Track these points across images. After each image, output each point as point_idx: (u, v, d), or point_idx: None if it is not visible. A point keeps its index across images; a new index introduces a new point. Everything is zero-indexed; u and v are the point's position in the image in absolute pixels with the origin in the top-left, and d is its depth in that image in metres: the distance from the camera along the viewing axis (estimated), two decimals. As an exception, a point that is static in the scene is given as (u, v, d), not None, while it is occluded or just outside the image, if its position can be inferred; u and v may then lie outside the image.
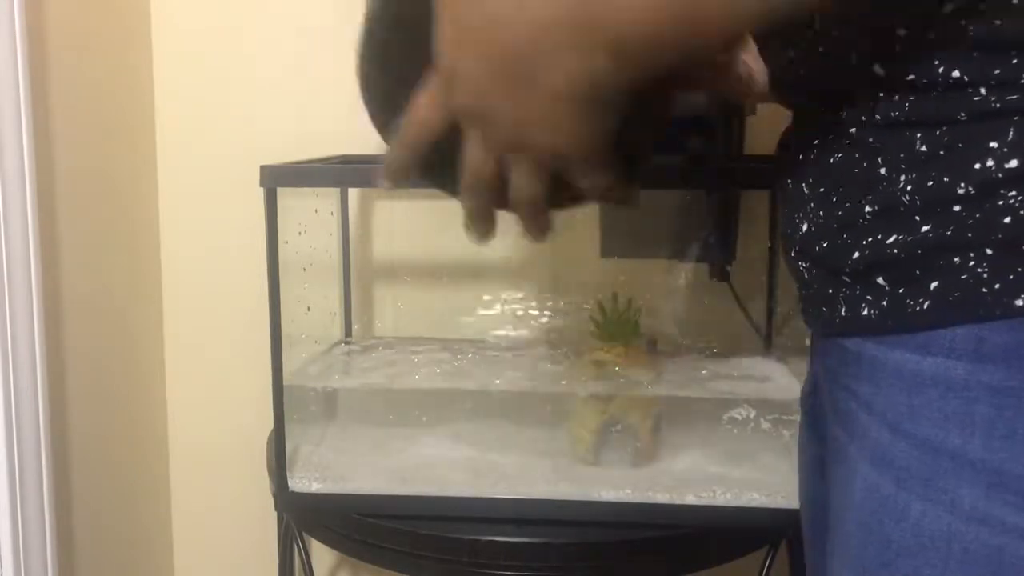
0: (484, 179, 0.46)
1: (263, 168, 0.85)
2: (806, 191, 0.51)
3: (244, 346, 1.17)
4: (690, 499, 0.87)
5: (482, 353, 1.07)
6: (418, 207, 1.18)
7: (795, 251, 0.53)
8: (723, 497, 0.87)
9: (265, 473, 0.98)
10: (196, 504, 1.30)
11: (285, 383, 0.89)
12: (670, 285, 1.13)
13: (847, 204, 0.47)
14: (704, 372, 1.01)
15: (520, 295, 1.15)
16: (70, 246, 1.05)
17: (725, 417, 0.98)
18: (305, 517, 0.96)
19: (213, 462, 1.28)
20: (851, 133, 0.47)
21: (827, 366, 0.53)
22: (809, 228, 0.50)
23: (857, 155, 0.47)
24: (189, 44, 1.20)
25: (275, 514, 0.99)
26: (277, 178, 0.85)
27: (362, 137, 1.16)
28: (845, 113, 0.47)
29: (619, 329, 0.97)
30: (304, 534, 0.98)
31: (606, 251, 1.12)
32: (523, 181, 0.46)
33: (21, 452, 0.95)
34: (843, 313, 0.48)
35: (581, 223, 1.12)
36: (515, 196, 0.46)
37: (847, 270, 0.47)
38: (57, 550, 1.01)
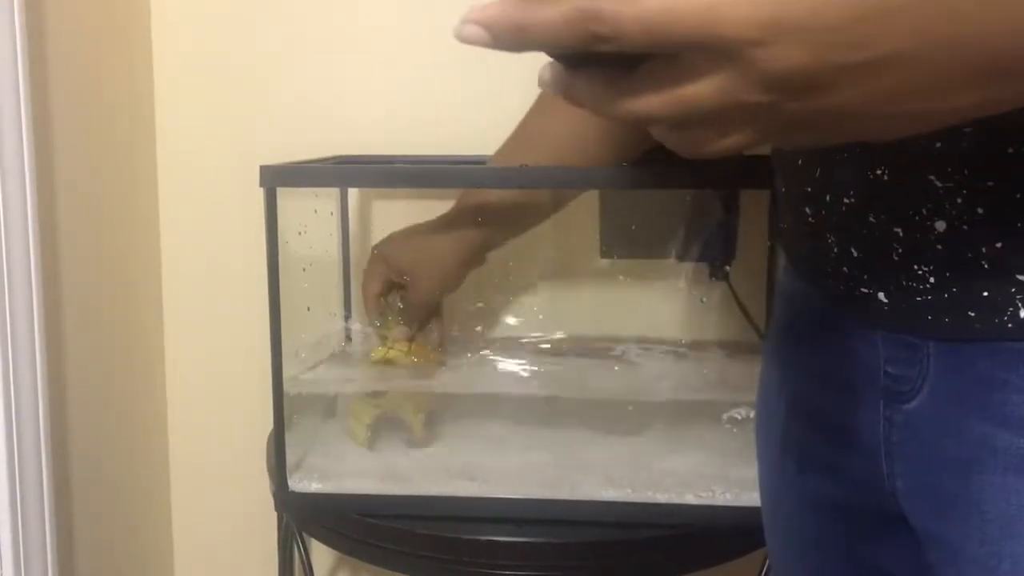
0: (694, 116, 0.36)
1: (263, 168, 0.85)
2: (939, 185, 0.47)
3: (244, 346, 1.17)
4: (690, 499, 0.88)
5: (482, 353, 1.07)
6: (418, 207, 1.18)
7: (904, 252, 0.50)
8: (723, 497, 0.88)
9: (265, 473, 0.98)
10: (196, 504, 1.30)
11: (285, 383, 0.89)
12: (670, 285, 1.13)
13: None
14: (704, 372, 1.01)
15: (520, 295, 1.15)
16: (70, 246, 1.05)
17: (725, 417, 0.98)
18: (305, 517, 0.96)
19: (213, 462, 1.28)
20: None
21: (959, 376, 0.49)
22: (957, 226, 0.47)
23: None
24: (189, 44, 1.20)
25: (275, 514, 0.99)
26: (277, 178, 0.85)
27: (362, 137, 1.17)
28: None
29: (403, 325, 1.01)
30: (304, 534, 0.98)
31: (606, 251, 1.12)
32: (727, 143, 0.38)
33: (21, 452, 0.95)
34: (1022, 316, 0.46)
35: (581, 223, 1.12)
36: (710, 147, 0.38)
37: None
38: (57, 550, 1.01)
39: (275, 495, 0.92)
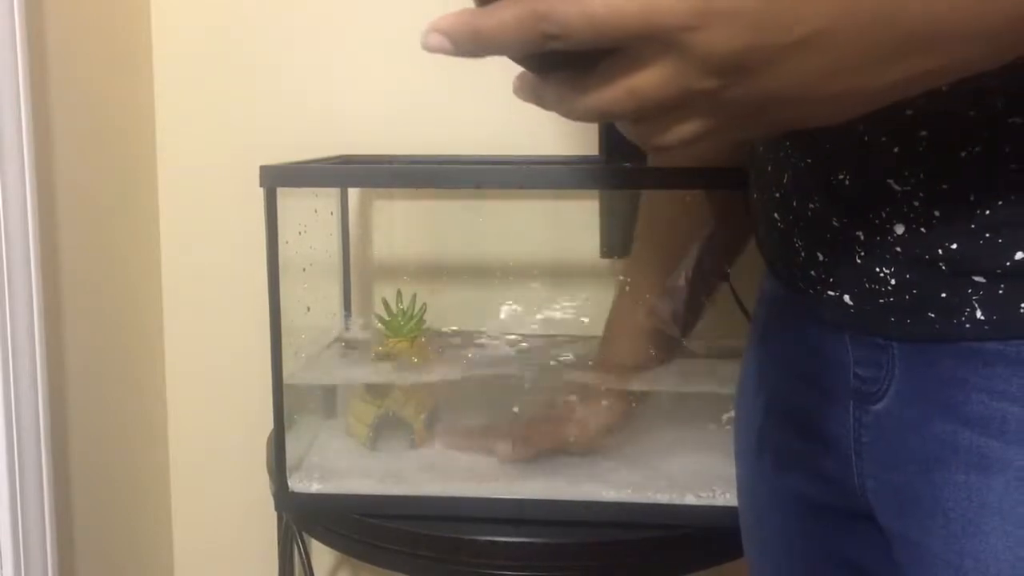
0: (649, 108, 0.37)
1: (263, 168, 0.85)
2: (897, 188, 0.48)
3: (244, 346, 1.17)
4: (690, 499, 0.87)
5: (483, 353, 1.07)
6: (418, 207, 1.18)
7: (866, 255, 0.51)
8: (723, 497, 0.87)
9: (265, 473, 0.98)
10: (196, 504, 1.30)
11: (285, 383, 0.89)
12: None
13: (999, 203, 0.45)
14: (704, 372, 1.01)
15: (520, 295, 1.15)
16: (70, 246, 1.05)
17: (725, 417, 0.97)
18: (305, 517, 0.96)
19: (213, 462, 1.28)
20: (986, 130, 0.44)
21: (923, 376, 0.50)
22: (915, 228, 0.48)
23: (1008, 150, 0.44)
24: (189, 44, 1.20)
25: (275, 514, 0.99)
26: (277, 178, 0.85)
27: (362, 137, 1.17)
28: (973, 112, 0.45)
29: (404, 325, 1.01)
30: (304, 534, 0.98)
31: (606, 251, 1.12)
32: (683, 133, 0.38)
33: (21, 452, 0.95)
34: (979, 316, 0.46)
35: (581, 223, 1.12)
36: (663, 139, 0.39)
37: (998, 271, 0.45)
38: (57, 550, 1.01)
39: (275, 495, 0.92)
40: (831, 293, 0.53)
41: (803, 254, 0.55)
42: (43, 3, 0.98)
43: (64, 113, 1.03)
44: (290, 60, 1.19)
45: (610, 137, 1.03)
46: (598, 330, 1.09)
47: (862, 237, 0.50)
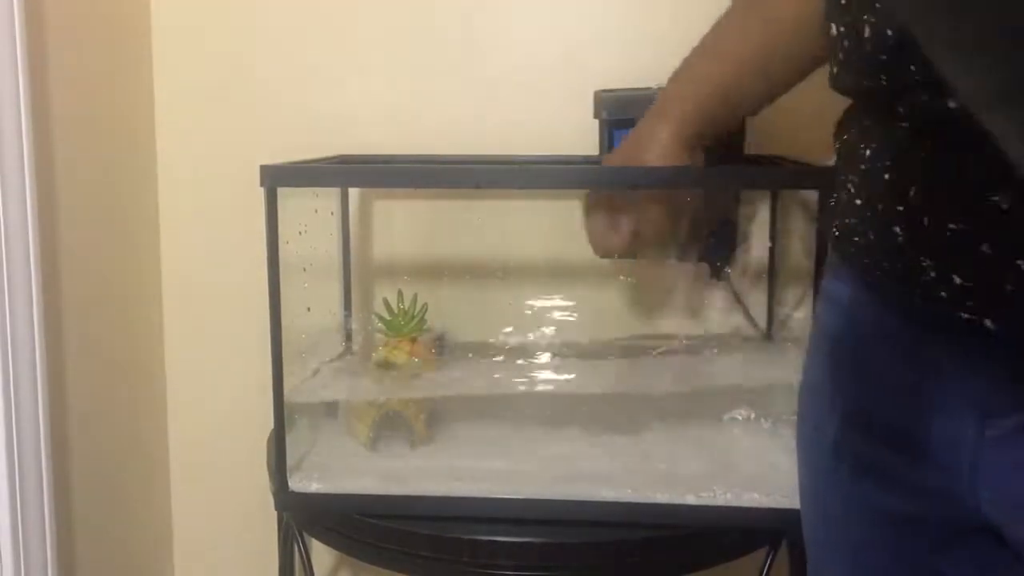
0: None
1: (263, 168, 0.85)
2: None
3: (244, 346, 1.17)
4: (690, 499, 0.87)
5: (482, 353, 1.07)
6: (418, 207, 1.18)
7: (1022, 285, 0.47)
8: (723, 497, 0.87)
9: (265, 473, 0.98)
10: (196, 504, 1.30)
11: (285, 383, 0.89)
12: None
13: None
14: (704, 372, 1.01)
15: (519, 295, 1.15)
16: (70, 246, 1.05)
17: (725, 417, 0.98)
18: (305, 517, 0.96)
19: (213, 462, 1.28)
20: None
21: None
22: None
23: None
24: (189, 44, 1.20)
25: (275, 514, 0.99)
26: (277, 178, 0.85)
27: (362, 137, 1.17)
28: None
29: (405, 325, 1.01)
30: (304, 534, 0.98)
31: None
32: None
33: (21, 452, 0.95)
34: None
35: (581, 223, 1.12)
36: None
37: None
38: (57, 550, 1.01)
39: (275, 495, 0.92)
40: (966, 316, 0.51)
41: (933, 274, 0.52)
42: (43, 2, 0.98)
43: (64, 112, 1.03)
44: (290, 60, 1.19)
45: (610, 137, 1.03)
46: (599, 330, 1.09)
47: (1023, 267, 0.47)
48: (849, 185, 0.59)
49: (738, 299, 1.09)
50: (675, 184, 0.86)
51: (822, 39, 0.61)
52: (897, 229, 0.53)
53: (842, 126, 0.63)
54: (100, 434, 1.13)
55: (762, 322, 1.10)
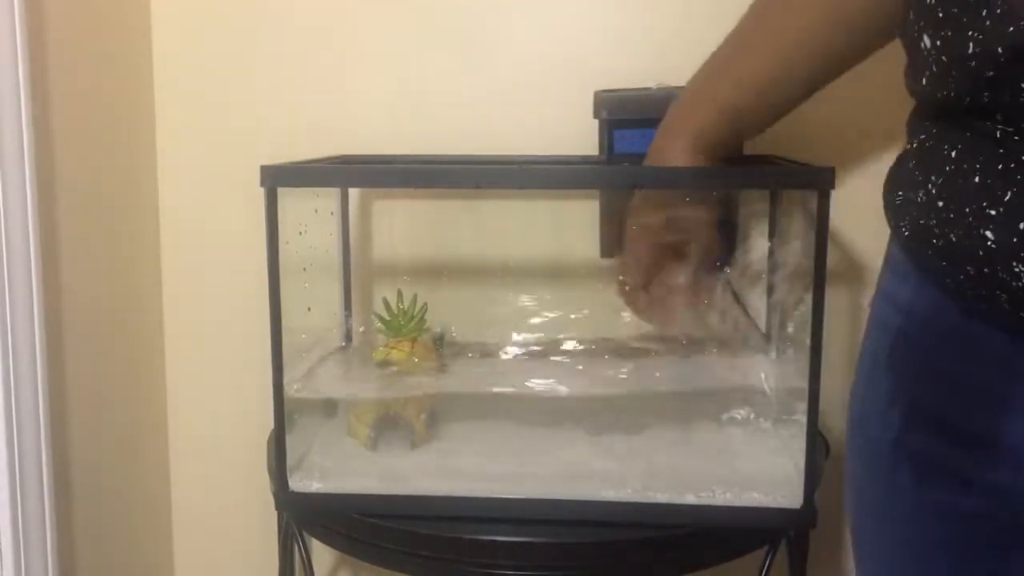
0: None
1: (263, 168, 0.85)
2: None
3: (244, 346, 1.17)
4: (690, 499, 0.87)
5: (482, 353, 1.07)
6: (418, 207, 1.18)
7: None
8: (723, 497, 0.87)
9: (265, 473, 0.99)
10: (196, 504, 1.30)
11: (285, 383, 0.89)
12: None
13: None
14: (704, 372, 1.01)
15: (519, 295, 1.15)
16: (70, 246, 1.05)
17: (725, 417, 0.98)
18: (305, 517, 0.96)
19: (213, 462, 1.28)
20: None
21: None
22: None
23: None
24: (189, 44, 1.20)
25: (275, 514, 0.99)
26: (277, 178, 0.85)
27: (362, 137, 1.17)
28: None
29: (405, 325, 1.01)
30: (304, 534, 0.98)
31: (606, 251, 1.12)
32: None
33: (21, 452, 0.95)
34: None
35: (581, 223, 1.12)
36: None
37: None
38: (57, 550, 1.01)
39: (275, 495, 0.93)
40: None
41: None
42: (43, 3, 0.98)
43: (64, 113, 1.03)
44: (290, 60, 1.19)
45: (610, 137, 1.03)
46: (598, 330, 1.09)
47: None
48: (929, 185, 0.58)
49: (738, 299, 1.09)
50: (675, 184, 0.86)
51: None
52: (987, 233, 0.52)
53: (916, 126, 0.61)
54: (100, 434, 1.13)
55: (762, 322, 1.10)
